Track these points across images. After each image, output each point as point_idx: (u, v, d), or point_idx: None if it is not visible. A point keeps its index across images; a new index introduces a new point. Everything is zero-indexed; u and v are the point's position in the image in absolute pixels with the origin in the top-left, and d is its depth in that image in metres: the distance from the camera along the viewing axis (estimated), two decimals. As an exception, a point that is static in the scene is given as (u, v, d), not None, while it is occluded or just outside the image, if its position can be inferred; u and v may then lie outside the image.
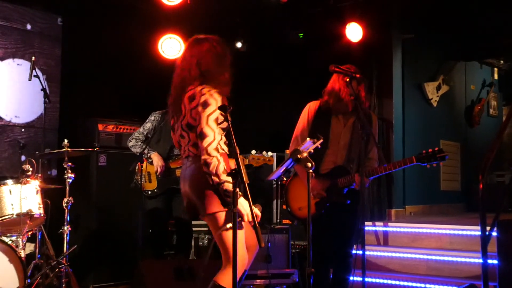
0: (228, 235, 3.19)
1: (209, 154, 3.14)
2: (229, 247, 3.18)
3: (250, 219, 3.16)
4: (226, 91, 3.38)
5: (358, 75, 4.08)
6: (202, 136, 3.18)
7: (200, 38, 3.47)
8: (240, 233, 3.27)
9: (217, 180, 3.15)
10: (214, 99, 3.23)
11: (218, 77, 3.37)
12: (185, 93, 3.32)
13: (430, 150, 3.95)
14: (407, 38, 7.60)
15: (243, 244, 3.33)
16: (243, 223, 3.26)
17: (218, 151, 3.16)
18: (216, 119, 3.22)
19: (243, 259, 3.32)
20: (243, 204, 3.20)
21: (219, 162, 3.14)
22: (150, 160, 5.48)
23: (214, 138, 3.17)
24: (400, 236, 5.96)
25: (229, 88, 3.45)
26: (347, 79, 4.03)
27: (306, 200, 4.21)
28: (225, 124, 3.24)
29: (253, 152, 5.10)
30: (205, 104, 3.21)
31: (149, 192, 5.54)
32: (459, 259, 5.20)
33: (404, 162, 4.07)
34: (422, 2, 7.12)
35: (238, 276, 3.19)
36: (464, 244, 5.45)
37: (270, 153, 5.16)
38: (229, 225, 3.18)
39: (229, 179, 3.04)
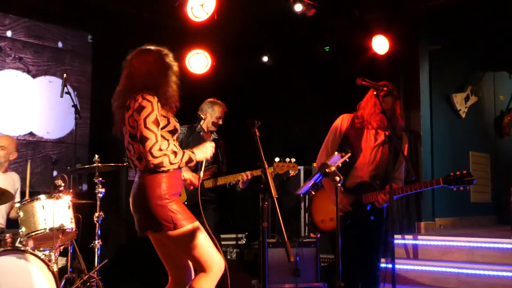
0: (196, 247, 3.18)
1: (153, 156, 3.06)
2: (201, 256, 3.19)
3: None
4: (171, 103, 3.27)
5: (386, 89, 4.07)
6: (143, 140, 3.07)
7: (146, 49, 3.37)
8: (204, 237, 3.23)
9: (176, 165, 3.15)
10: (148, 101, 3.13)
11: (161, 89, 3.23)
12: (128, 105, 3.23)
13: (458, 172, 3.86)
14: (434, 49, 7.56)
15: (214, 249, 3.27)
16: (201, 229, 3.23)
17: (162, 151, 3.09)
18: (155, 121, 3.12)
19: (222, 263, 3.26)
20: (200, 153, 3.29)
21: (168, 155, 3.10)
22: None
23: (156, 140, 3.08)
24: (430, 249, 5.90)
25: (175, 100, 3.31)
26: (382, 94, 4.02)
27: (329, 213, 4.24)
28: (171, 127, 3.22)
29: (277, 159, 5.11)
30: (140, 108, 3.11)
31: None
32: (491, 273, 5.13)
33: (430, 183, 4.02)
34: (449, 13, 7.09)
35: (218, 279, 3.23)
36: (496, 257, 5.37)
37: (293, 160, 5.16)
38: (194, 237, 3.17)
39: (181, 155, 3.15)
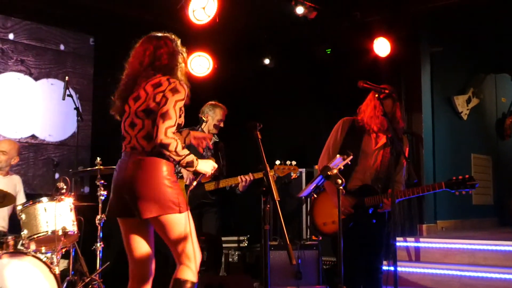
0: (187, 235, 3.22)
1: (166, 135, 3.07)
2: (188, 246, 3.24)
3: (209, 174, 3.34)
4: None
5: (387, 91, 4.06)
6: (165, 116, 3.10)
7: (154, 35, 3.46)
8: (193, 229, 3.28)
9: (178, 158, 3.14)
10: (183, 88, 3.22)
11: (170, 72, 3.31)
12: (146, 82, 3.26)
13: (460, 177, 3.86)
14: (435, 51, 7.55)
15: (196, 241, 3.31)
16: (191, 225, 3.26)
17: (174, 135, 3.12)
18: (180, 109, 3.20)
19: (200, 257, 3.34)
20: (203, 165, 3.28)
21: (177, 142, 3.11)
22: (180, 174, 5.53)
23: (175, 123, 3.12)
24: (432, 251, 5.89)
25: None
26: (382, 97, 4.02)
27: (330, 216, 4.24)
28: (180, 121, 3.23)
29: (277, 162, 5.11)
30: (175, 90, 3.18)
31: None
32: (493, 275, 5.12)
33: (432, 187, 4.01)
34: (450, 15, 7.09)
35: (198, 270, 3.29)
36: (499, 259, 5.37)
37: (294, 162, 5.17)
38: (188, 225, 3.21)
39: (187, 152, 3.15)
